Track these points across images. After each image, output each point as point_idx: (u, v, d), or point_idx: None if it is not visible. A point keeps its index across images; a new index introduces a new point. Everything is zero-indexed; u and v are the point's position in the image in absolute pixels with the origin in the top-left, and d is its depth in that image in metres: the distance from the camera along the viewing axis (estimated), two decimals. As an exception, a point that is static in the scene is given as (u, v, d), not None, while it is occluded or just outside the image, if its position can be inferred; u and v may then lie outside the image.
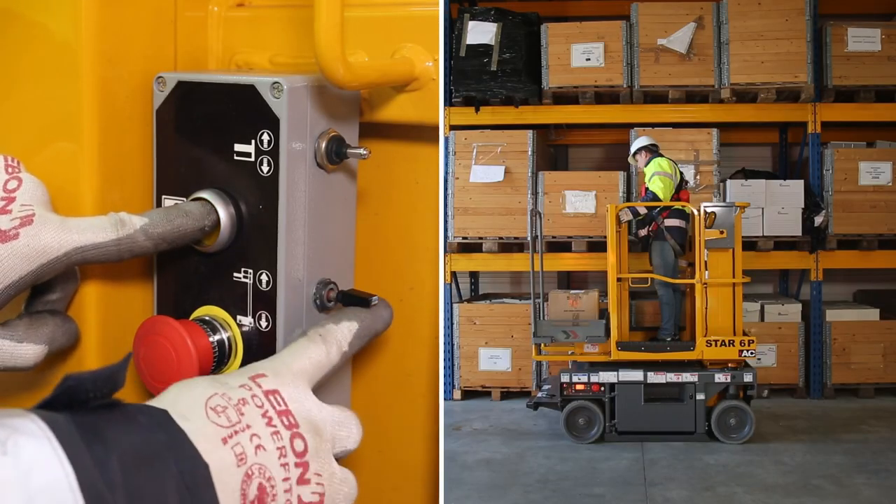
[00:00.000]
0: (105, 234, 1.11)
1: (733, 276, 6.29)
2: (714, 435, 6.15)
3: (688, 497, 5.25)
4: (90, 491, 0.75)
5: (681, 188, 6.72)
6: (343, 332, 1.15)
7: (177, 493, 0.82)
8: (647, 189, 6.73)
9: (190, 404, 0.93)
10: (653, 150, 6.86)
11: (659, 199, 6.55)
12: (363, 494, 1.44)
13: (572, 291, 7.16)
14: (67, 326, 1.20)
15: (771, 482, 5.47)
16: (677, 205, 6.60)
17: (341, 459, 1.06)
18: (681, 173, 6.80)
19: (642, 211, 6.61)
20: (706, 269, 6.27)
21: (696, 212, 6.29)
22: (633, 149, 7.02)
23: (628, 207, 6.59)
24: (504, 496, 5.33)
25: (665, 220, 6.60)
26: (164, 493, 0.81)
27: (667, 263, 6.59)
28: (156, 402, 0.92)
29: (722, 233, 6.24)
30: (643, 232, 6.72)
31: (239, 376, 1.01)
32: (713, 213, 6.33)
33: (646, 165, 6.82)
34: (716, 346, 6.17)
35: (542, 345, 6.51)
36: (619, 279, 6.45)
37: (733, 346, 6.17)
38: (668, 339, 6.54)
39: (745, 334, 6.25)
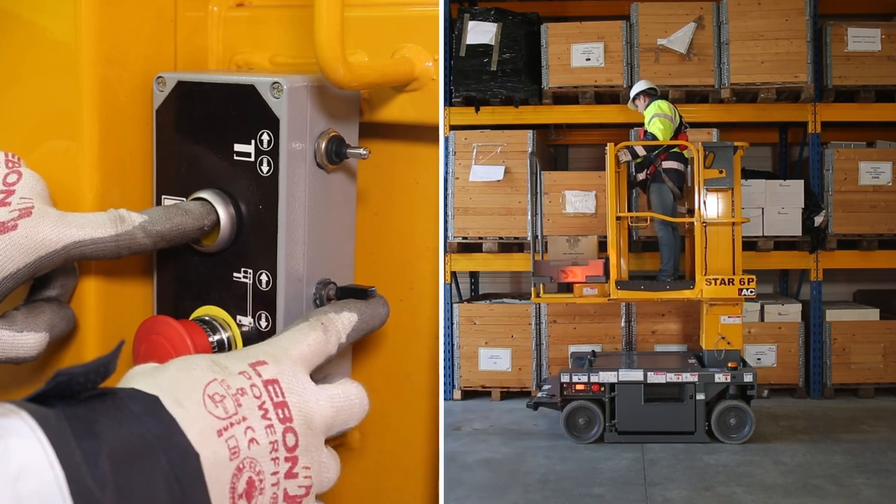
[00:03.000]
0: (104, 229, 1.11)
1: (732, 216, 6.29)
2: (714, 435, 6.15)
3: (688, 497, 5.25)
4: (80, 492, 0.74)
5: (679, 131, 6.66)
6: (343, 322, 1.15)
7: (166, 486, 0.81)
8: (645, 132, 6.70)
9: (187, 389, 0.91)
10: (652, 94, 6.83)
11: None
12: (365, 495, 1.44)
13: (572, 236, 7.13)
14: (64, 312, 1.20)
15: (771, 482, 5.47)
16: (676, 144, 6.53)
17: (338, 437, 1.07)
18: (680, 117, 6.75)
19: (641, 152, 6.57)
20: (705, 209, 6.27)
21: (696, 151, 6.24)
22: (632, 93, 6.98)
23: (627, 148, 6.57)
24: (504, 496, 5.33)
25: (663, 163, 6.56)
26: (154, 487, 0.80)
27: (665, 205, 6.57)
28: (153, 382, 0.91)
29: (721, 172, 6.24)
30: (641, 175, 6.69)
31: (239, 361, 1.00)
32: (712, 153, 6.30)
33: (645, 108, 6.79)
34: (715, 284, 6.20)
35: (542, 286, 6.52)
36: (618, 218, 6.44)
37: (733, 284, 6.19)
38: (668, 279, 6.53)
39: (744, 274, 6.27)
